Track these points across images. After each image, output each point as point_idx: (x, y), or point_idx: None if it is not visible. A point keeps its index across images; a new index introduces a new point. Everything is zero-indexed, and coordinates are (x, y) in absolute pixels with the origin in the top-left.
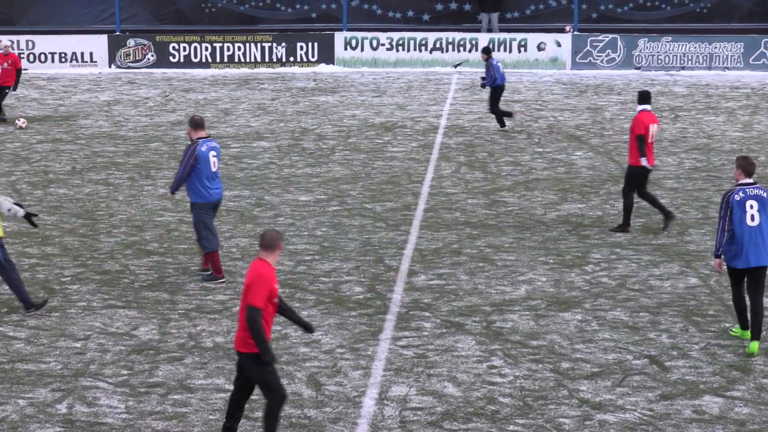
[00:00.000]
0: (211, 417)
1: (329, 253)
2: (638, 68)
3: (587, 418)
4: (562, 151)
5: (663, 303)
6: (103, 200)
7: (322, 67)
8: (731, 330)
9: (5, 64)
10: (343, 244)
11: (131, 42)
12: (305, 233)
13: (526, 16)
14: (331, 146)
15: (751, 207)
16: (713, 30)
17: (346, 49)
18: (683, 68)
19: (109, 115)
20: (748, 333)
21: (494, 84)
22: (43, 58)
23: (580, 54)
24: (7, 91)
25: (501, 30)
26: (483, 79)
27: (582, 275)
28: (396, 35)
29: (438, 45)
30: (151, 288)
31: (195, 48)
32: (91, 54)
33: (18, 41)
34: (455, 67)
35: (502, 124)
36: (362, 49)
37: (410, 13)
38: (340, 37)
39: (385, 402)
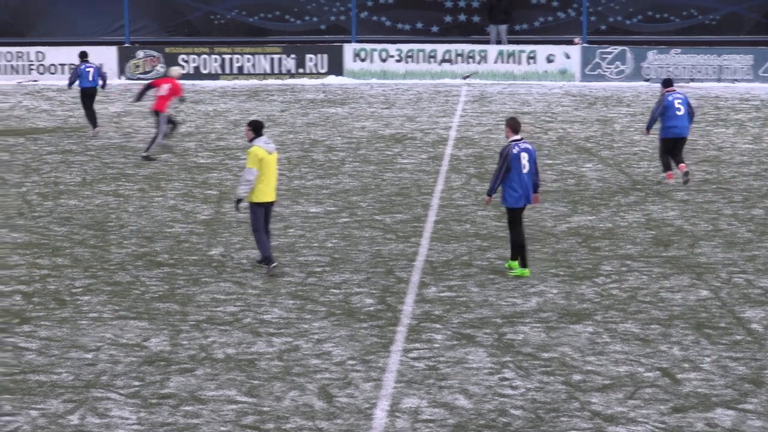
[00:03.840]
0: (222, 428)
1: (340, 264)
2: (647, 80)
3: (599, 430)
4: (572, 163)
5: (674, 315)
6: (114, 211)
7: (332, 79)
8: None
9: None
10: (354, 255)
11: (141, 53)
12: (315, 245)
13: (535, 28)
14: (341, 158)
15: None
16: (722, 42)
17: (355, 60)
18: (692, 80)
19: (119, 126)
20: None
21: None
22: (53, 69)
23: (590, 66)
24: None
25: (510, 42)
26: None
27: (593, 287)
28: (405, 47)
29: (447, 57)
30: (161, 299)
31: (204, 59)
32: (100, 65)
33: (28, 53)
34: (464, 78)
35: None
36: (371, 61)
37: (419, 25)
38: (349, 49)
39: (397, 414)
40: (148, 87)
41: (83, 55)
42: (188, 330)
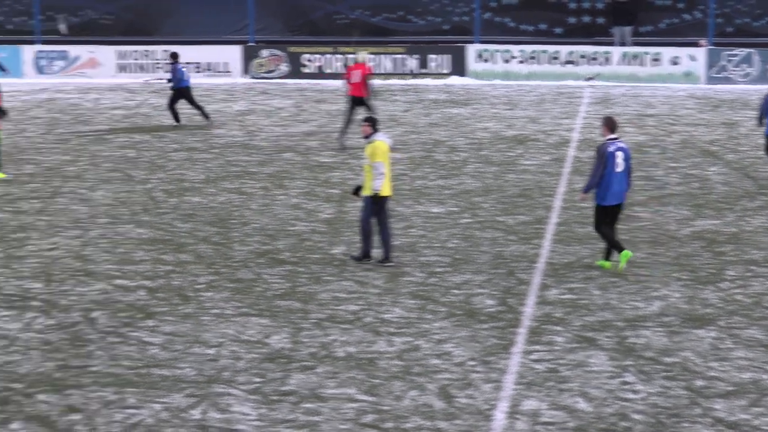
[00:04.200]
0: (341, 426)
1: (461, 265)
2: None
3: None
4: (696, 167)
5: None
6: (237, 209)
7: (454, 79)
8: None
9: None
10: (475, 256)
11: (265, 53)
12: (437, 245)
13: (660, 30)
14: (463, 158)
15: None
16: None
17: (478, 61)
18: None
19: (242, 124)
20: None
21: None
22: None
23: (715, 68)
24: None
25: (634, 44)
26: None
27: (716, 292)
28: (528, 48)
29: (570, 58)
30: (283, 297)
31: (327, 59)
32: (225, 64)
33: (154, 52)
34: (587, 80)
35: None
36: (494, 62)
37: (543, 26)
38: (472, 50)
39: (516, 416)
40: (347, 78)
41: (175, 56)
42: (309, 328)
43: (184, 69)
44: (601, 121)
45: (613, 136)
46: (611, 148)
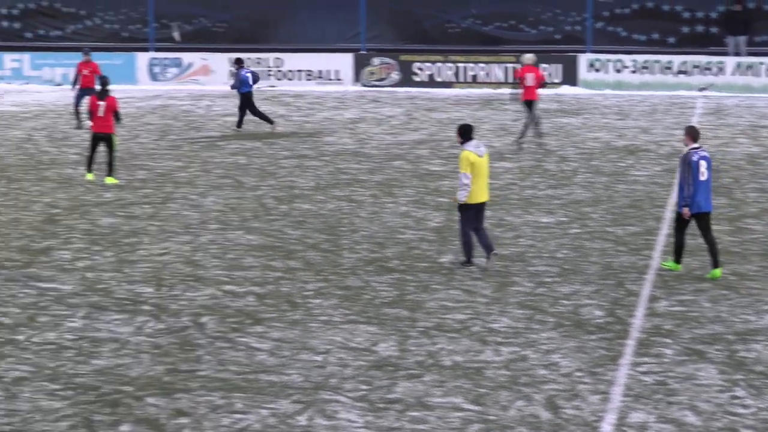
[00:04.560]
0: None
1: (570, 275)
2: None
3: None
4: None
5: None
6: (346, 216)
7: (566, 89)
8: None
9: (529, 79)
10: (584, 267)
11: (376, 61)
12: (546, 255)
13: None
14: (574, 168)
15: None
16: None
17: (589, 71)
18: None
19: (353, 132)
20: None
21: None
22: (290, 75)
23: None
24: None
25: (749, 53)
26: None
27: None
28: (641, 58)
29: (683, 68)
30: (391, 305)
31: (438, 68)
32: (336, 72)
33: (267, 59)
34: (701, 90)
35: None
36: (606, 71)
37: (655, 36)
38: (583, 59)
39: (624, 428)
40: (521, 81)
41: (239, 62)
42: (417, 336)
43: (248, 75)
44: (684, 131)
45: (695, 145)
46: (695, 158)
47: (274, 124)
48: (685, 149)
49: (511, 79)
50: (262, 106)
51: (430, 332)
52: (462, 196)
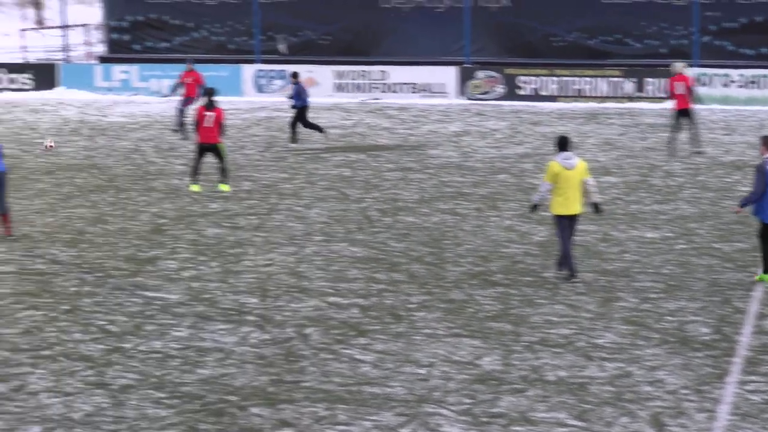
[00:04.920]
0: None
1: (675, 291)
2: None
3: None
4: None
5: None
6: (450, 230)
7: (671, 103)
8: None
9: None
10: (690, 283)
11: (481, 74)
12: (651, 270)
13: None
14: (680, 183)
15: None
16: None
17: (695, 85)
18: None
19: (457, 145)
20: None
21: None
22: (395, 88)
23: None
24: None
25: None
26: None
27: None
28: (748, 72)
29: None
30: (495, 318)
31: (543, 81)
32: (441, 85)
33: (371, 72)
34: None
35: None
36: (713, 86)
37: (764, 50)
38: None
39: None
40: (671, 92)
41: (296, 75)
42: (520, 350)
43: (304, 88)
44: (760, 141)
45: None
46: None
47: (326, 132)
48: (761, 158)
49: (616, 93)
50: (366, 119)
51: (533, 347)
52: (535, 199)
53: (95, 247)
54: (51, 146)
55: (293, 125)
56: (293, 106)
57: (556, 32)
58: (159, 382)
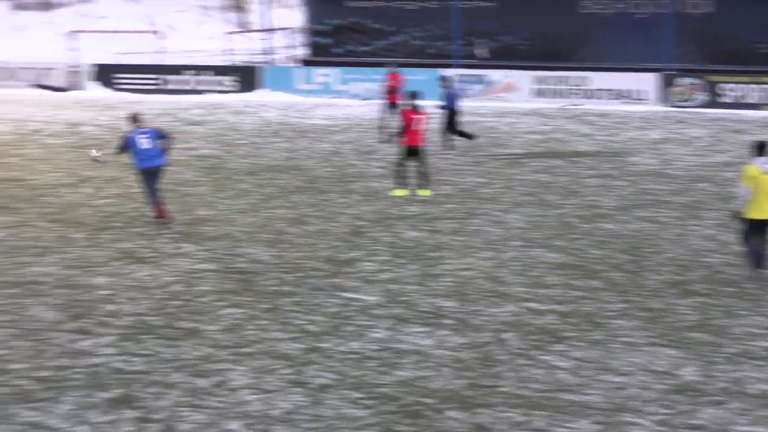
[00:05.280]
0: None
1: None
2: None
3: None
4: None
5: None
6: (650, 238)
7: None
8: None
9: None
10: None
11: (683, 81)
12: None
13: None
14: None
15: None
16: None
17: None
18: None
19: (657, 153)
20: None
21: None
22: (596, 94)
23: None
24: None
25: None
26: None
27: None
28: None
29: None
30: (694, 329)
31: (747, 89)
32: (641, 92)
33: (572, 77)
34: None
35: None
36: None
37: None
38: None
39: None
40: None
41: (445, 79)
42: (721, 362)
43: (453, 92)
44: None
45: None
46: None
47: (475, 137)
48: None
49: None
50: (565, 125)
51: (734, 358)
52: (737, 206)
53: (295, 247)
54: (97, 157)
55: (448, 131)
56: (443, 107)
57: (761, 39)
58: (356, 383)
